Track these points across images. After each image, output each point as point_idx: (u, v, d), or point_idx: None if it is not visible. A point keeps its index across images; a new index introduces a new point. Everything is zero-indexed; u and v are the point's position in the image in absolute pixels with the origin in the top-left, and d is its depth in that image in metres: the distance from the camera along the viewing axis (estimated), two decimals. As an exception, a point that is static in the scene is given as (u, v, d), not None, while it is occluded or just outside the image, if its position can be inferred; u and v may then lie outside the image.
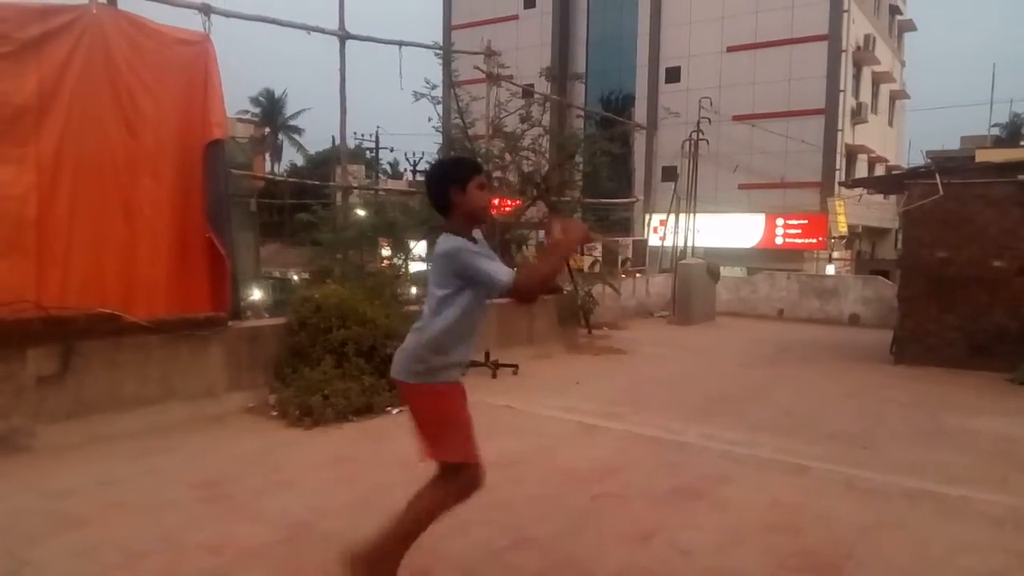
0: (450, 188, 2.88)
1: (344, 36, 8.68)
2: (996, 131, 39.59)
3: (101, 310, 5.48)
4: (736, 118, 27.79)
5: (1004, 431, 6.55)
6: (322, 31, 8.58)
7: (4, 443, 4.90)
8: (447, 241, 2.86)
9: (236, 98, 47.94)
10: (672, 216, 21.07)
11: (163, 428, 5.59)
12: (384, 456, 5.21)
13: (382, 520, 3.98)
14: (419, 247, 11.13)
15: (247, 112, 48.79)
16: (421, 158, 41.25)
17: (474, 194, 2.89)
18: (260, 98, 52.44)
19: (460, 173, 2.93)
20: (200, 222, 6.39)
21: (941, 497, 4.66)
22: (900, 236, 12.99)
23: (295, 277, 18.97)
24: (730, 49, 28.91)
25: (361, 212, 10.86)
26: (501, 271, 2.73)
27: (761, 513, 4.28)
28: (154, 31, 6.21)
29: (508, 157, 11.08)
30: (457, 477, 3.03)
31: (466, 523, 3.96)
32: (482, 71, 10.86)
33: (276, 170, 44.66)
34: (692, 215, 21.56)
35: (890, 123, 35.27)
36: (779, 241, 27.95)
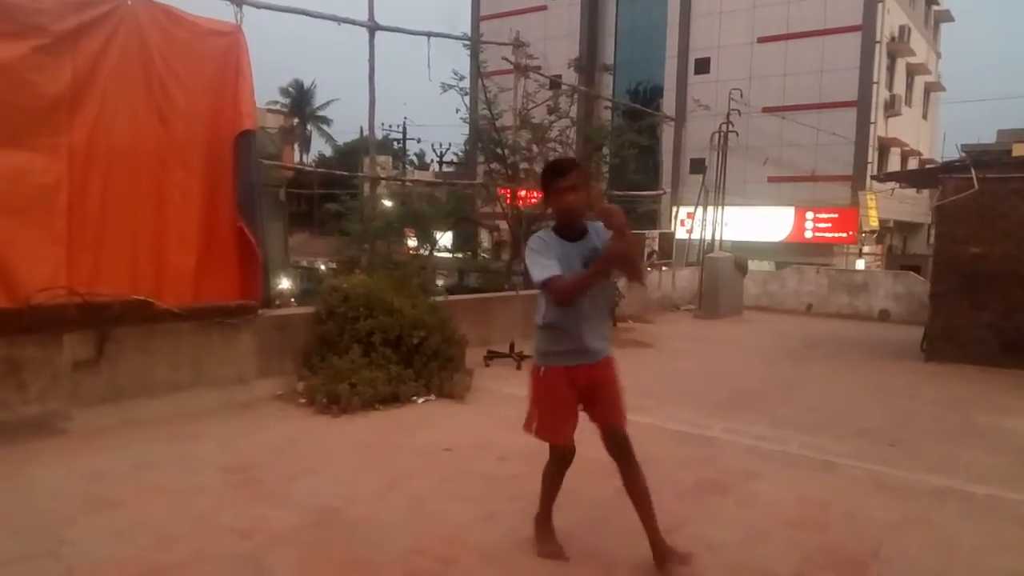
0: (545, 192, 3.30)
1: (373, 27, 8.72)
2: (1035, 124, 38.63)
3: (135, 297, 5.59)
4: (766, 110, 27.43)
5: (1037, 431, 6.45)
6: (352, 22, 8.62)
7: (41, 426, 5.03)
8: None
9: (266, 88, 48.46)
10: (700, 209, 20.89)
11: (194, 413, 5.70)
12: (409, 444, 5.27)
13: (408, 506, 4.05)
14: (445, 238, 11.19)
15: (276, 103, 49.23)
16: (447, 149, 41.42)
17: (555, 198, 3.21)
18: (289, 89, 52.87)
19: (544, 179, 3.27)
20: (230, 211, 6.47)
21: (969, 496, 4.60)
22: (933, 231, 12.76)
23: (322, 267, 19.16)
24: (761, 40, 28.52)
25: (388, 203, 10.93)
26: (541, 272, 3.07)
27: (787, 509, 4.27)
28: (187, 22, 6.28)
29: (535, 148, 11.08)
30: (550, 451, 3.54)
31: (491, 513, 4.01)
32: (510, 62, 10.86)
33: (305, 160, 45.01)
34: (720, 208, 21.36)
35: (924, 116, 34.61)
36: (808, 235, 27.60)
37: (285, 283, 15.60)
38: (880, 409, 7.10)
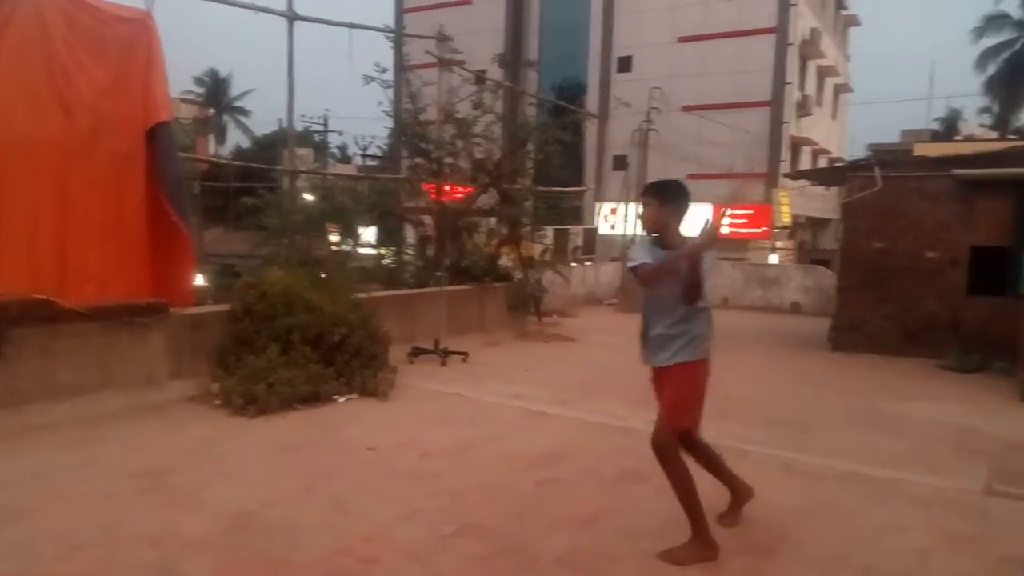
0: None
1: (292, 17, 8.53)
2: (936, 125, 40.84)
3: (35, 296, 5.30)
4: (686, 109, 28.10)
5: (934, 415, 6.83)
6: (270, 11, 8.40)
7: (-69, 433, 4.73)
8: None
9: (179, 77, 46.53)
10: (622, 205, 21.27)
11: (101, 417, 5.44)
12: (329, 444, 5.19)
13: (328, 507, 3.99)
14: (367, 233, 11.02)
15: (190, 92, 47.38)
16: (371, 143, 40.75)
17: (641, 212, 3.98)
18: (204, 78, 51.00)
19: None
20: (140, 205, 6.23)
21: (873, 479, 4.85)
22: (840, 227, 13.34)
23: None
24: (681, 40, 29.18)
25: (309, 197, 10.68)
26: (632, 261, 3.84)
27: (703, 496, 4.38)
28: (91, 7, 6.00)
29: (460, 143, 11.01)
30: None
31: (414, 511, 3.99)
32: (434, 56, 10.77)
33: (220, 152, 43.56)
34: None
35: (834, 116, 36.09)
36: (725, 231, 28.34)
37: (200, 280, 15.08)
38: (791, 397, 7.39)
